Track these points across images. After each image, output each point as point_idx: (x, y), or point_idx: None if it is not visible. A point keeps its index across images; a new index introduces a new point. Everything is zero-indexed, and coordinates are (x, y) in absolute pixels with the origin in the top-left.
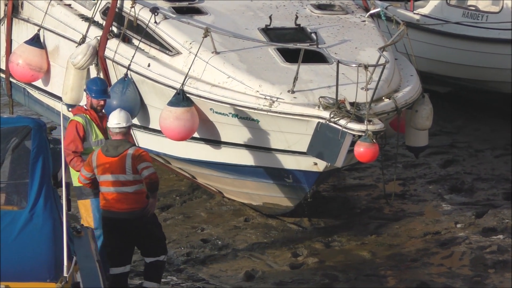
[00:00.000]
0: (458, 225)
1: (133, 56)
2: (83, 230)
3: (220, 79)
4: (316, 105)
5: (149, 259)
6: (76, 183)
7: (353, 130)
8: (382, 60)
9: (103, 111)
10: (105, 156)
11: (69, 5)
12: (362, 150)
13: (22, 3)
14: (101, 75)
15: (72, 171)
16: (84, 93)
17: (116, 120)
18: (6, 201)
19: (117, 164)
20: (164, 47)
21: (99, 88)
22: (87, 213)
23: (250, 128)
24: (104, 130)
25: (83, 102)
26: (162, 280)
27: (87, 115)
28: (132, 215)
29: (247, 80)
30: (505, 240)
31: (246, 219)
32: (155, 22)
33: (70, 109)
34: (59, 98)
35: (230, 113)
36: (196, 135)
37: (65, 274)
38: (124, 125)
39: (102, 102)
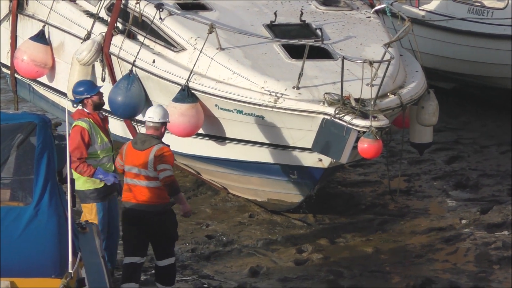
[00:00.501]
0: (463, 221)
1: (138, 52)
2: (88, 226)
3: (225, 75)
4: (321, 101)
5: (161, 262)
6: (79, 186)
7: (358, 126)
8: (387, 56)
9: (104, 113)
10: (133, 149)
11: (74, 1)
12: (366, 146)
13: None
14: (106, 72)
15: (75, 174)
16: (82, 99)
17: (151, 114)
18: (11, 197)
19: (142, 158)
20: (169, 43)
21: (87, 84)
22: (92, 216)
23: (255, 124)
24: (107, 133)
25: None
26: None
27: (90, 119)
28: (152, 208)
29: (252, 76)
30: (510, 236)
31: (251, 215)
32: (160, 18)
33: (75, 105)
34: (64, 94)
35: (235, 109)
36: (201, 131)
37: (70, 270)
38: (156, 120)
39: (102, 97)
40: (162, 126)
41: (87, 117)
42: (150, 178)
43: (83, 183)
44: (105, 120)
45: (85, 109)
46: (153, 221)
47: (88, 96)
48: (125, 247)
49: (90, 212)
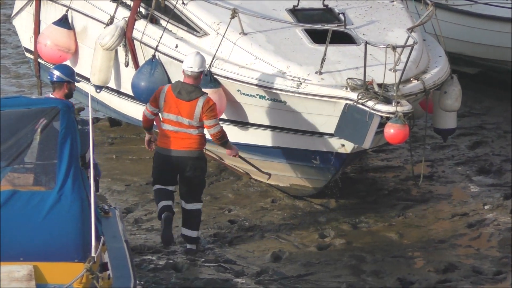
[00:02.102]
0: (486, 207)
1: (160, 37)
2: (111, 211)
3: (248, 60)
4: (344, 86)
5: (189, 206)
6: None
7: (381, 111)
8: (410, 41)
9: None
10: (176, 98)
11: None
12: (393, 131)
13: None
14: (129, 56)
15: None
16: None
17: (190, 63)
18: (35, 182)
19: (187, 109)
20: (192, 28)
21: (72, 70)
22: None
23: (277, 109)
24: None
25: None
26: (189, 261)
27: None
28: (190, 154)
29: (275, 61)
30: None
31: (273, 200)
32: (183, 3)
33: (98, 90)
34: (87, 79)
35: (257, 95)
36: (223, 116)
37: (93, 254)
38: (196, 70)
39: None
40: (200, 75)
41: None
42: (194, 127)
43: None
44: None
45: (52, 95)
46: (189, 164)
47: (72, 81)
48: (155, 179)
49: None
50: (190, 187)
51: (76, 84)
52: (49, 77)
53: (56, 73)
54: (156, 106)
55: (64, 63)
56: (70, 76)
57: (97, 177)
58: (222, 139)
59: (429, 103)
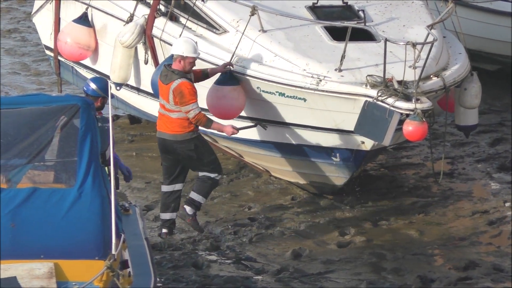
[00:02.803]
0: (507, 204)
1: (180, 35)
2: (131, 208)
3: (267, 57)
4: (364, 83)
5: (201, 173)
6: None
7: (400, 108)
8: (430, 38)
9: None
10: (160, 81)
11: None
12: (411, 128)
13: None
14: (149, 54)
15: None
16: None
17: (173, 46)
18: (55, 179)
19: (165, 92)
20: (211, 26)
21: (107, 85)
22: None
23: (297, 106)
24: None
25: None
26: (209, 258)
27: None
28: (173, 137)
29: (294, 58)
30: None
31: (293, 198)
32: (202, 0)
33: (118, 88)
34: (107, 77)
35: (277, 92)
36: (243, 114)
37: (113, 252)
38: (177, 53)
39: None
40: (179, 58)
41: None
42: (172, 111)
43: None
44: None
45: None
46: (177, 149)
47: (107, 97)
48: (163, 175)
49: None
50: (193, 166)
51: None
52: (84, 88)
53: (93, 86)
54: None
55: (99, 76)
56: (105, 92)
57: (130, 179)
58: (201, 124)
59: (449, 101)
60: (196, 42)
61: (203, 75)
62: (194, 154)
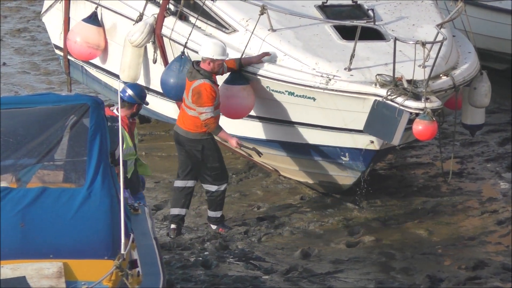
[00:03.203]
0: None
1: (189, 34)
2: (140, 208)
3: (277, 56)
4: (373, 82)
5: (208, 187)
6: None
7: (410, 108)
8: (440, 37)
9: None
10: (186, 77)
11: None
12: (421, 128)
13: None
14: (158, 53)
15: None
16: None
17: (203, 48)
18: (65, 179)
19: (187, 87)
20: (221, 25)
21: (144, 92)
22: None
23: (306, 106)
24: (134, 137)
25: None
26: (218, 257)
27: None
28: (186, 134)
29: (304, 57)
30: None
31: (302, 197)
32: None
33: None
34: (117, 76)
35: (286, 91)
36: (252, 113)
37: (122, 251)
38: (201, 55)
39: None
40: (208, 61)
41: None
42: (188, 107)
43: None
44: (133, 124)
45: (115, 111)
46: (186, 145)
47: (142, 104)
48: (178, 169)
49: None
50: (200, 170)
51: (106, 81)
52: (121, 93)
53: (130, 92)
54: None
55: (136, 82)
56: (142, 99)
57: (140, 188)
58: (210, 129)
59: (458, 100)
60: (224, 44)
61: (238, 65)
62: (200, 156)
